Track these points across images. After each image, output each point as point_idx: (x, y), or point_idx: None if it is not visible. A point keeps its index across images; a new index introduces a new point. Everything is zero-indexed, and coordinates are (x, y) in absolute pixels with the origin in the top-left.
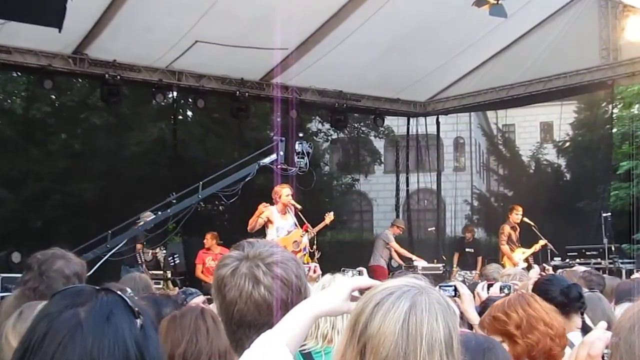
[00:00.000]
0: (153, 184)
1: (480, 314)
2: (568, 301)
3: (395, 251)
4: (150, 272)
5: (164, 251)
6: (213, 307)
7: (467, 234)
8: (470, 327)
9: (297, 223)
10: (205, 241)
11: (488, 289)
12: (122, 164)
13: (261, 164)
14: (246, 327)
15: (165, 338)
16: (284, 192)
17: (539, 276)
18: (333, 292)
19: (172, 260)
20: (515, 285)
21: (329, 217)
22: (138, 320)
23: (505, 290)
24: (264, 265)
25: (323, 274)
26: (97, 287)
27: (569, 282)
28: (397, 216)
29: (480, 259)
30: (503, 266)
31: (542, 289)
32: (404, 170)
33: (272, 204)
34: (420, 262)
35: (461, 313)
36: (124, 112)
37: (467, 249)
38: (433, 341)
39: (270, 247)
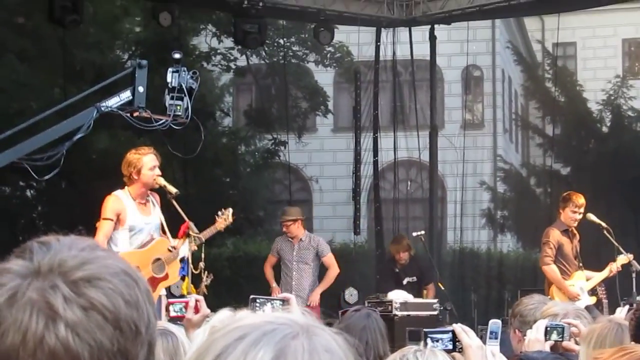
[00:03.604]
0: None
1: None
2: None
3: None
4: None
5: None
6: None
7: (400, 254)
8: None
9: (164, 225)
10: None
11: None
12: None
13: (103, 108)
14: None
15: None
16: (147, 162)
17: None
18: None
19: None
20: (574, 328)
21: (225, 218)
22: None
23: (555, 336)
24: (67, 285)
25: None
26: None
27: None
28: (356, 208)
29: (430, 288)
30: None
31: None
32: (369, 127)
33: (124, 186)
34: (397, 295)
35: None
36: None
37: (405, 280)
38: None
39: (80, 251)
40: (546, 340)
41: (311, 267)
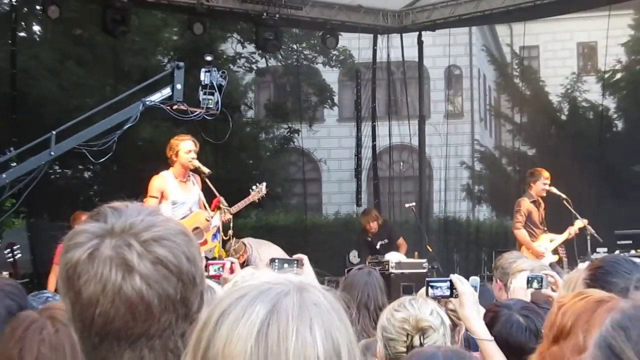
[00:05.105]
0: None
1: (488, 325)
2: None
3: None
4: None
5: None
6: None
7: (370, 224)
8: (469, 344)
9: (204, 202)
10: (74, 224)
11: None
12: None
13: (147, 102)
14: (113, 340)
15: None
16: (184, 146)
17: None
18: None
19: (9, 255)
20: (551, 278)
21: (259, 190)
22: None
23: (535, 285)
24: (139, 244)
25: None
26: None
27: None
28: (358, 185)
29: (401, 243)
30: None
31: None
32: (368, 117)
33: (167, 167)
34: (393, 256)
35: (452, 324)
36: None
37: (378, 244)
38: None
39: (147, 216)
40: (528, 288)
41: None
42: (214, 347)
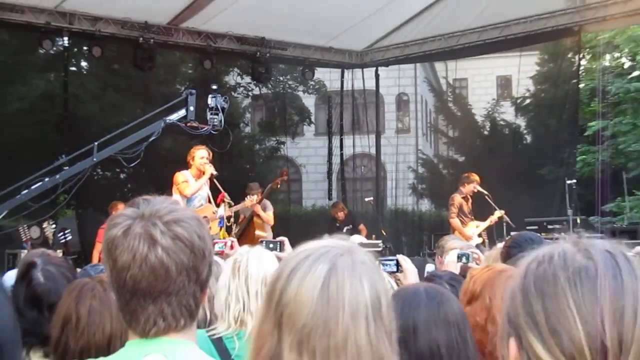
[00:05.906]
0: (39, 147)
1: None
2: None
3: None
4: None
5: (54, 226)
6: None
7: (338, 214)
8: None
9: (211, 197)
10: (113, 212)
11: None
12: (1, 122)
13: (167, 121)
14: (140, 296)
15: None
16: (198, 153)
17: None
18: None
19: (62, 237)
20: (475, 255)
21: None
22: None
23: (464, 260)
24: (162, 224)
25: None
26: None
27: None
28: (329, 184)
29: (362, 228)
30: None
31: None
32: (337, 132)
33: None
34: (356, 238)
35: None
36: (4, 61)
37: (344, 229)
38: (357, 305)
39: (169, 204)
40: (458, 262)
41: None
42: (287, 295)
